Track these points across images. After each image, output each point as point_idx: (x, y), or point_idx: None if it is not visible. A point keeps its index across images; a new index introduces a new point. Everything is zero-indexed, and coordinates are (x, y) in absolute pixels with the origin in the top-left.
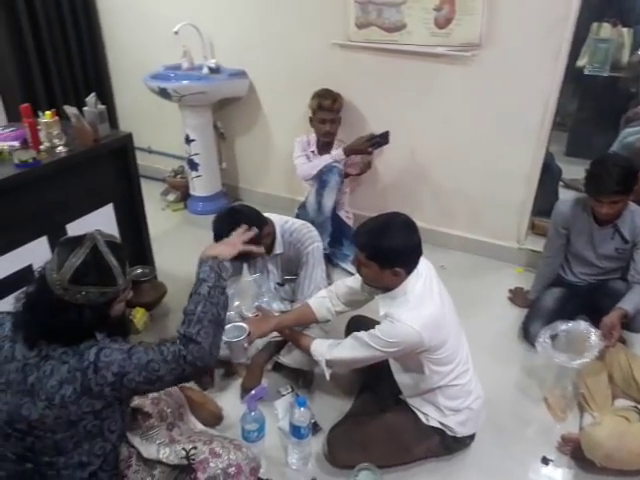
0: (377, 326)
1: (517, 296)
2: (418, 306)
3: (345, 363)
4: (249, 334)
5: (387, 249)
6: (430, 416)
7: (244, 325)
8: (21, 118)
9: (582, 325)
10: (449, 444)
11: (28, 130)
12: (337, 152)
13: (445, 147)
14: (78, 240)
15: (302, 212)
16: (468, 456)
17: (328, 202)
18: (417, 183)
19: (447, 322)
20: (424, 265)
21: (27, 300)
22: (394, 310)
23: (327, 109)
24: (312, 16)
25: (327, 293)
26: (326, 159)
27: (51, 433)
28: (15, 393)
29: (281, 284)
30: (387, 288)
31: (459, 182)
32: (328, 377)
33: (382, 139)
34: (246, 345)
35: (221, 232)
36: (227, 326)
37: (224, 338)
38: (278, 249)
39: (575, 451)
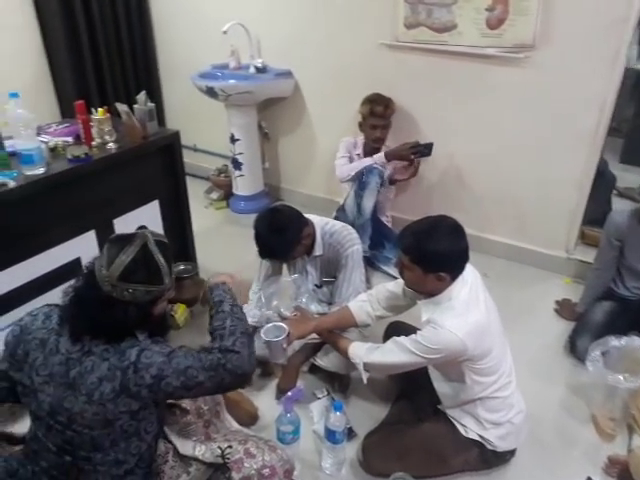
0: (419, 332)
1: (564, 308)
2: (463, 313)
3: (383, 367)
4: (288, 334)
5: (432, 253)
6: (469, 428)
7: (284, 325)
8: (74, 114)
9: (637, 342)
10: (488, 458)
11: (81, 126)
12: (378, 156)
13: (493, 150)
14: (129, 238)
15: (341, 215)
16: (508, 472)
17: (368, 204)
18: (462, 187)
19: (492, 332)
20: (470, 272)
21: (75, 294)
22: (437, 316)
23: (379, 115)
24: (360, 16)
25: (367, 297)
26: (366, 162)
27: (88, 429)
28: (58, 385)
29: (319, 286)
30: (430, 293)
31: (506, 187)
32: (365, 381)
33: (426, 150)
34: (285, 345)
35: (262, 231)
36: (267, 325)
37: (263, 337)
38: (317, 251)
39: (622, 473)
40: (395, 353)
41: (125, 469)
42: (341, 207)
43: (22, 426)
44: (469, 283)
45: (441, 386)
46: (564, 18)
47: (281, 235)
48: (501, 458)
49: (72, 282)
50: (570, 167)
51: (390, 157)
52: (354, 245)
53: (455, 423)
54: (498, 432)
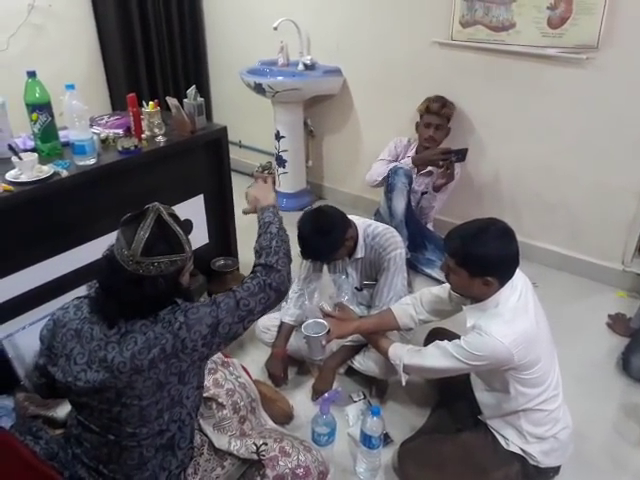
0: (463, 337)
1: (617, 323)
2: (511, 320)
3: (424, 371)
4: (328, 332)
5: (479, 256)
6: (511, 441)
7: (324, 322)
8: (125, 107)
9: None
10: (530, 474)
11: (132, 119)
12: (405, 160)
13: (549, 155)
14: (142, 214)
15: (378, 218)
16: None
17: (398, 205)
18: (514, 192)
19: (540, 341)
20: (521, 279)
21: (101, 283)
22: (483, 322)
23: (434, 112)
24: (413, 13)
25: (412, 300)
26: (391, 165)
27: (138, 400)
28: (97, 370)
29: (359, 289)
30: (477, 298)
31: (560, 193)
32: (404, 383)
33: (459, 156)
34: (324, 343)
35: (305, 232)
36: (308, 321)
37: (303, 331)
38: (359, 253)
39: None
40: (437, 357)
41: (168, 437)
42: (377, 210)
43: (63, 409)
44: (519, 290)
45: (483, 395)
46: (631, 18)
47: (325, 236)
48: (544, 475)
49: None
50: (630, 175)
51: (417, 162)
52: (397, 249)
53: (496, 435)
54: (542, 447)
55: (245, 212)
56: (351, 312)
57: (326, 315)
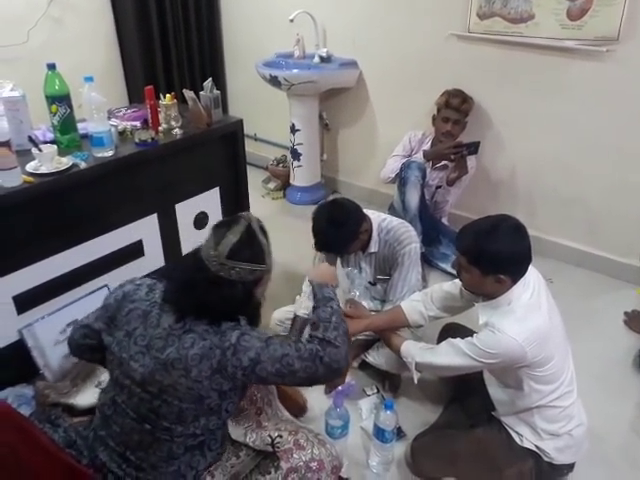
0: (476, 334)
1: (634, 320)
2: (524, 318)
3: (436, 369)
4: None
5: (491, 254)
6: (525, 437)
7: None
8: (141, 100)
9: None
10: (544, 470)
11: (149, 111)
12: (418, 155)
13: (567, 150)
14: (234, 219)
15: (392, 213)
16: None
17: (411, 199)
18: (531, 186)
19: (554, 339)
20: (534, 275)
21: (182, 277)
22: (496, 320)
23: (454, 108)
24: (429, 5)
25: (421, 297)
26: (403, 160)
27: (179, 401)
28: (152, 358)
29: (373, 284)
30: (489, 296)
31: (579, 189)
32: (416, 381)
33: (471, 149)
34: None
35: (320, 223)
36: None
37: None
38: (373, 247)
39: None
40: (449, 355)
41: (200, 441)
42: (391, 205)
43: (84, 397)
44: (531, 287)
45: (496, 392)
46: None
47: (339, 228)
48: (558, 472)
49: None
50: None
51: (429, 156)
52: (411, 243)
53: (510, 431)
54: (556, 443)
55: None
56: (362, 309)
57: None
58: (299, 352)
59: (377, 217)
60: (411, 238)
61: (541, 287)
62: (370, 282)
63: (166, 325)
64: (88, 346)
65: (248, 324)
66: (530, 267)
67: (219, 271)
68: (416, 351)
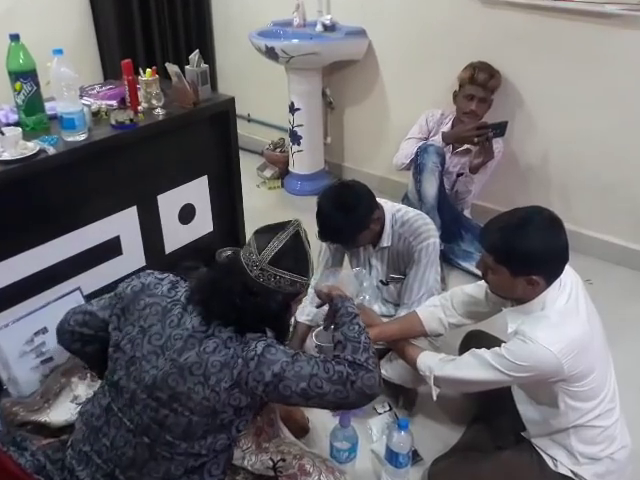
0: (504, 344)
1: None
2: (559, 325)
3: (458, 384)
4: None
5: (522, 252)
6: (560, 461)
7: None
8: (118, 75)
9: None
10: None
11: (127, 88)
12: (436, 138)
13: (608, 131)
14: (282, 225)
15: (406, 204)
16: None
17: (429, 189)
18: (566, 173)
19: (594, 349)
20: (570, 276)
21: (216, 278)
22: (528, 327)
23: (480, 84)
24: None
25: (440, 301)
26: (419, 143)
27: (190, 412)
28: (169, 360)
29: (385, 283)
30: (519, 300)
31: (622, 176)
32: (435, 397)
33: (496, 130)
34: None
35: (326, 208)
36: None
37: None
38: (385, 241)
39: None
40: (473, 368)
41: (201, 462)
42: (405, 195)
43: (58, 414)
44: (568, 289)
45: (527, 410)
46: None
47: (348, 214)
48: None
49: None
50: None
51: (449, 139)
52: (429, 238)
53: (542, 454)
54: (595, 469)
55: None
56: (372, 315)
57: None
58: (328, 373)
59: (391, 207)
60: (429, 232)
61: (579, 290)
62: (382, 281)
63: (188, 326)
64: (82, 336)
65: (275, 339)
66: (566, 266)
67: (259, 277)
68: (435, 363)
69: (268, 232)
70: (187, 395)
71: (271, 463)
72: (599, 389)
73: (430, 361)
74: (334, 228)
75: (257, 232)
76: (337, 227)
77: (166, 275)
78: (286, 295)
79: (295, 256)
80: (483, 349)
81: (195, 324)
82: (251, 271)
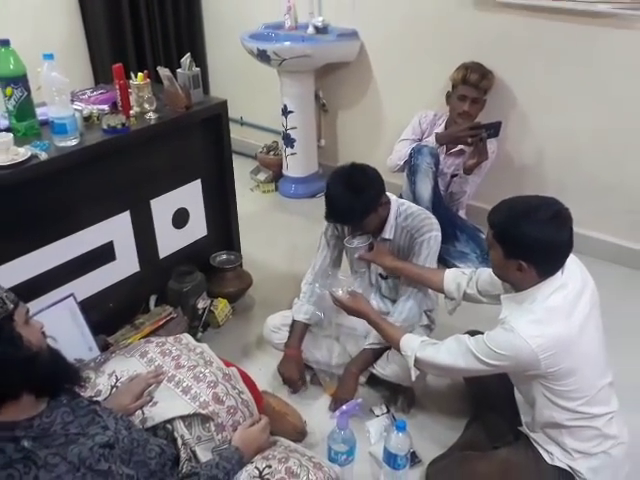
0: (487, 332)
1: None
2: (544, 322)
3: (439, 368)
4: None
5: (516, 235)
6: (555, 456)
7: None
8: (109, 80)
9: None
10: None
11: (118, 93)
12: (430, 138)
13: (604, 131)
14: None
15: None
16: None
17: (423, 190)
18: (561, 173)
19: (582, 353)
20: (579, 278)
21: None
22: (513, 317)
23: (472, 84)
24: None
25: (470, 273)
26: (413, 145)
27: None
28: None
29: (384, 277)
30: (514, 286)
31: (619, 176)
32: (414, 378)
33: (490, 131)
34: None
35: (337, 187)
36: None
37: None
38: (388, 233)
39: None
40: (454, 353)
41: None
42: (399, 196)
43: None
44: (568, 291)
45: (519, 397)
46: None
47: (359, 194)
48: None
49: None
50: None
51: (443, 140)
52: (432, 231)
53: (539, 449)
54: (590, 463)
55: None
56: (363, 300)
57: (336, 300)
58: None
59: (395, 200)
60: (432, 225)
61: (586, 298)
62: (381, 275)
63: None
64: None
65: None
66: (579, 270)
67: None
68: (417, 345)
69: None
70: None
71: (257, 472)
72: (582, 392)
73: (413, 342)
74: (343, 208)
75: None
76: (346, 207)
77: None
78: None
79: None
80: (467, 335)
81: None
82: None
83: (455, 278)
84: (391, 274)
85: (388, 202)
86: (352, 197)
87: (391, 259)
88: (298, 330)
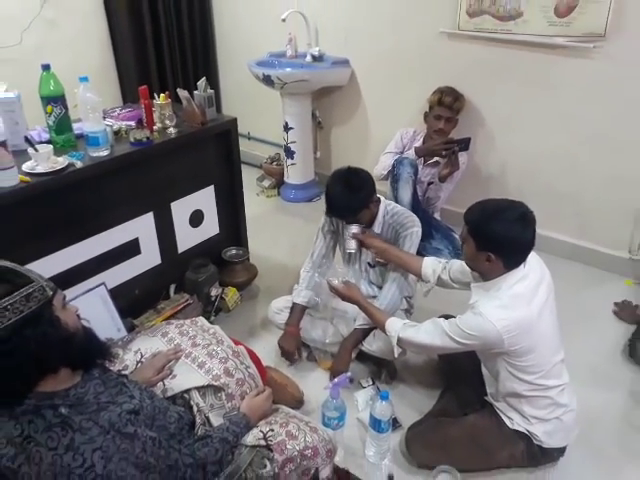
0: (459, 315)
1: (624, 310)
2: (508, 306)
3: (418, 346)
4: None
5: (488, 230)
6: (515, 421)
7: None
8: (135, 99)
9: None
10: (535, 454)
11: (144, 111)
12: (409, 152)
13: (558, 145)
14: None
15: None
16: (556, 471)
17: (404, 196)
18: (522, 181)
19: (539, 334)
20: (537, 273)
21: None
22: (481, 302)
23: (446, 106)
24: (420, 3)
25: (444, 262)
26: (395, 157)
27: None
28: None
29: (372, 265)
30: (483, 275)
31: (569, 183)
32: (396, 354)
33: (461, 145)
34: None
35: (337, 186)
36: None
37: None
38: (377, 228)
39: None
40: (431, 334)
41: None
42: None
43: None
44: (528, 283)
45: (485, 372)
46: (639, 6)
47: (355, 193)
48: (549, 456)
49: None
50: None
51: (420, 153)
52: (414, 227)
53: (501, 415)
54: (545, 427)
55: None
56: (355, 290)
57: (333, 288)
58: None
59: (383, 200)
60: (414, 222)
61: (544, 289)
62: (369, 264)
63: None
64: None
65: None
66: (539, 265)
67: None
68: (400, 326)
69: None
70: None
71: (261, 434)
72: (539, 367)
73: (396, 324)
74: (341, 204)
75: None
76: (344, 203)
77: None
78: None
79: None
80: (442, 319)
81: None
82: None
83: (432, 264)
84: (377, 263)
85: (378, 201)
86: (349, 195)
87: (379, 241)
88: (297, 311)
